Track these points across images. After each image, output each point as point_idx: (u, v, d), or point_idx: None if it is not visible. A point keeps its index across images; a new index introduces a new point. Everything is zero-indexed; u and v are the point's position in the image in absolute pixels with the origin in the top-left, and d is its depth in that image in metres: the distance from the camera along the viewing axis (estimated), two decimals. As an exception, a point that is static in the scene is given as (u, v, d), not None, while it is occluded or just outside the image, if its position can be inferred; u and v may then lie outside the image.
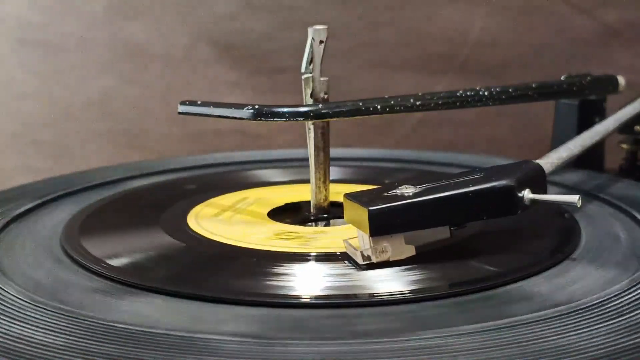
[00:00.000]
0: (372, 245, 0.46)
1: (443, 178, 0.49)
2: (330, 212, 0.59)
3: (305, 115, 0.55)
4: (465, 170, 0.52)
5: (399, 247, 0.47)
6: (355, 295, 0.44)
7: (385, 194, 0.48)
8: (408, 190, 0.48)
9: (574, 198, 0.47)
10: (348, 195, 0.49)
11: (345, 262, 0.48)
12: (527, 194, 0.48)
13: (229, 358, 0.37)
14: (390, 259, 0.47)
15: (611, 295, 0.43)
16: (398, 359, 0.37)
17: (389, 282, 0.45)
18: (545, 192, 0.50)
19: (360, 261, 0.47)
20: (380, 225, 0.46)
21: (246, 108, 0.54)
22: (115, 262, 0.50)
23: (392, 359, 0.37)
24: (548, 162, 0.53)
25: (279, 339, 0.39)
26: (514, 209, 0.48)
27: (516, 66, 1.04)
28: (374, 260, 0.47)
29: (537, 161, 0.52)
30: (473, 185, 0.47)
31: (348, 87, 1.00)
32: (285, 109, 0.55)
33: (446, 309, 0.43)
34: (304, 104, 0.56)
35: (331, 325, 0.41)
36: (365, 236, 0.47)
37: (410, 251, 0.47)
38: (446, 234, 0.48)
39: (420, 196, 0.47)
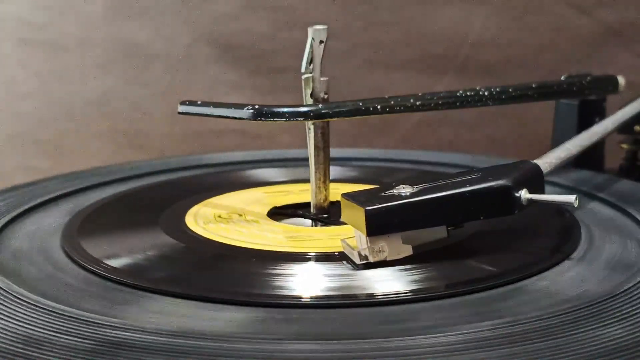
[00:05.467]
0: (369, 245, 0.47)
1: (440, 178, 0.49)
2: (330, 212, 0.59)
3: (305, 115, 0.55)
4: (463, 170, 0.52)
5: (396, 246, 0.47)
6: (354, 296, 0.44)
7: (383, 193, 0.48)
8: (405, 190, 0.48)
9: (571, 198, 0.47)
10: (345, 195, 0.49)
11: (344, 262, 0.48)
12: (524, 193, 0.48)
13: (228, 357, 0.37)
14: (388, 259, 0.47)
15: (611, 296, 0.43)
16: (398, 359, 0.37)
17: (387, 282, 0.45)
18: (542, 192, 0.50)
19: (357, 261, 0.47)
20: (377, 225, 0.46)
21: (246, 108, 0.54)
22: (114, 263, 0.50)
23: (391, 358, 0.37)
24: (546, 162, 0.53)
25: (279, 339, 0.39)
26: (511, 208, 0.48)
27: (516, 66, 1.04)
28: (371, 260, 0.47)
29: (535, 161, 0.52)
30: (470, 185, 0.47)
31: (348, 87, 1.00)
32: (285, 109, 0.55)
33: (445, 309, 0.43)
34: (304, 104, 0.57)
35: (329, 325, 0.41)
36: (363, 236, 0.47)
37: (407, 251, 0.47)
38: (443, 233, 0.48)
39: (417, 196, 0.47)
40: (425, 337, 0.39)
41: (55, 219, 0.60)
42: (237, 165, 0.79)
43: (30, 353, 0.38)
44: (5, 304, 0.44)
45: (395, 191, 0.48)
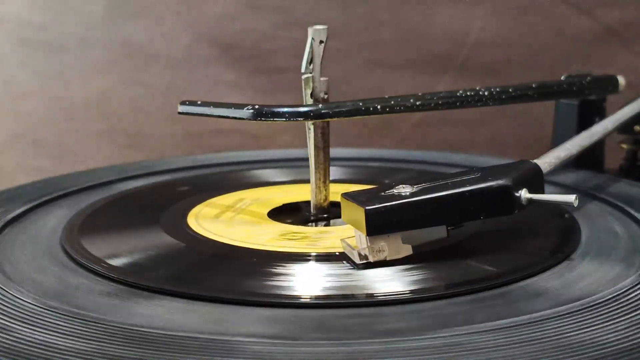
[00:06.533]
0: (369, 244, 0.47)
1: (440, 178, 0.49)
2: (330, 212, 0.59)
3: (305, 115, 0.56)
4: (463, 169, 0.52)
5: (396, 246, 0.47)
6: (354, 296, 0.44)
7: (382, 193, 0.48)
8: (405, 189, 0.48)
9: (571, 198, 0.47)
10: (345, 195, 0.49)
11: (344, 262, 0.48)
12: (524, 193, 0.48)
13: (228, 357, 0.37)
14: (387, 259, 0.47)
15: (611, 296, 0.43)
16: (399, 359, 0.37)
17: (387, 281, 0.45)
18: (542, 192, 0.50)
19: (357, 260, 0.47)
20: (377, 225, 0.46)
21: (246, 108, 0.54)
22: (115, 262, 0.50)
23: (392, 359, 0.37)
24: (545, 161, 0.53)
25: (278, 339, 0.39)
26: (510, 208, 0.48)
27: (516, 66, 1.04)
28: (371, 259, 0.47)
29: (535, 161, 0.52)
30: (470, 185, 0.47)
31: (348, 87, 1.00)
32: (285, 109, 0.55)
33: (445, 309, 0.43)
34: (304, 104, 0.57)
35: (329, 325, 0.41)
36: (362, 235, 0.47)
37: (407, 251, 0.47)
38: (443, 233, 0.48)
39: (417, 196, 0.47)
40: (425, 337, 0.39)
41: (55, 219, 0.60)
42: (237, 165, 0.79)
43: (31, 353, 0.38)
44: (5, 304, 0.44)
45: (395, 191, 0.48)
